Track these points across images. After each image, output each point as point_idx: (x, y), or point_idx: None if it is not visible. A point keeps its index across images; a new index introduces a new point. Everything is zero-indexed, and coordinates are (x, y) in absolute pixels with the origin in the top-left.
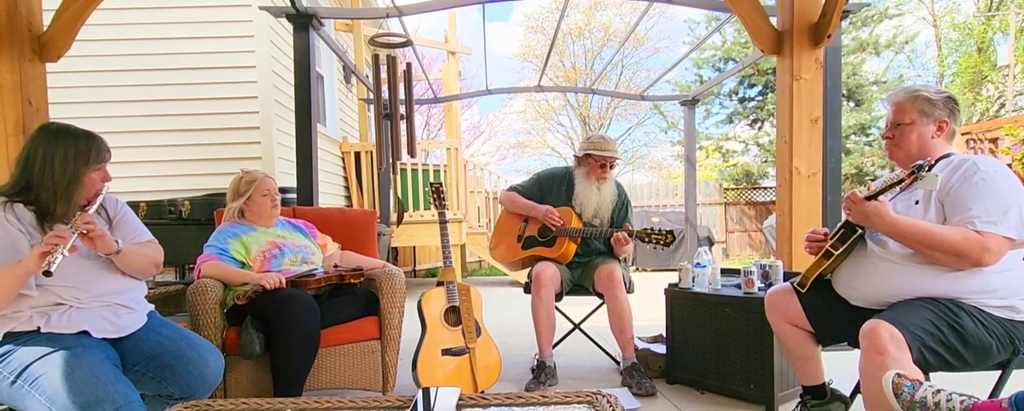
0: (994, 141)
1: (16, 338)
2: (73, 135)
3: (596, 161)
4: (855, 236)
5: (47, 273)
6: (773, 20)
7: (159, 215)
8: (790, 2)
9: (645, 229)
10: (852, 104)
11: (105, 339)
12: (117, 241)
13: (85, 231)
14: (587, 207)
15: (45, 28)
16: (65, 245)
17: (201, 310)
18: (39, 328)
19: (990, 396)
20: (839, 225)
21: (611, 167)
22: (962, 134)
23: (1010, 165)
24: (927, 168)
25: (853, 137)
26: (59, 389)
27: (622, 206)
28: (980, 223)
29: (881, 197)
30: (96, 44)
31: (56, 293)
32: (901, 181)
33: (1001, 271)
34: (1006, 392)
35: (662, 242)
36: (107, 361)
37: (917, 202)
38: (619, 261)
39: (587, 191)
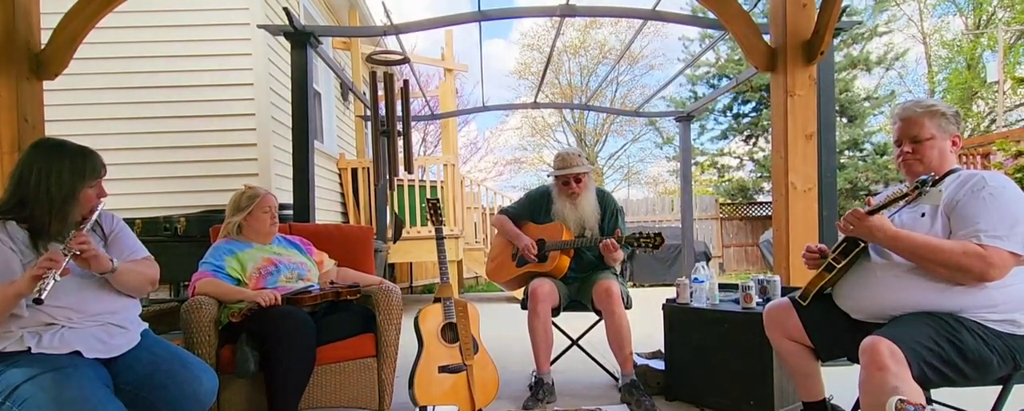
0: (986, 156)
1: (6, 358)
2: (68, 151)
3: (560, 179)
4: (858, 249)
5: (38, 301)
6: (766, 38)
7: (155, 232)
8: (783, 20)
9: (632, 234)
10: (845, 120)
11: (97, 359)
12: (112, 260)
13: (79, 252)
14: (569, 222)
15: (43, 46)
16: (57, 269)
17: (195, 328)
18: (29, 348)
19: None
20: (842, 239)
21: (578, 181)
22: None
23: None
24: (931, 183)
25: (847, 152)
26: None
27: (611, 215)
28: (986, 237)
29: (883, 211)
30: (94, 62)
31: (48, 313)
32: (905, 196)
33: (1004, 286)
34: (1008, 408)
35: (651, 245)
36: (98, 382)
37: (923, 215)
38: (616, 276)
39: (562, 208)
